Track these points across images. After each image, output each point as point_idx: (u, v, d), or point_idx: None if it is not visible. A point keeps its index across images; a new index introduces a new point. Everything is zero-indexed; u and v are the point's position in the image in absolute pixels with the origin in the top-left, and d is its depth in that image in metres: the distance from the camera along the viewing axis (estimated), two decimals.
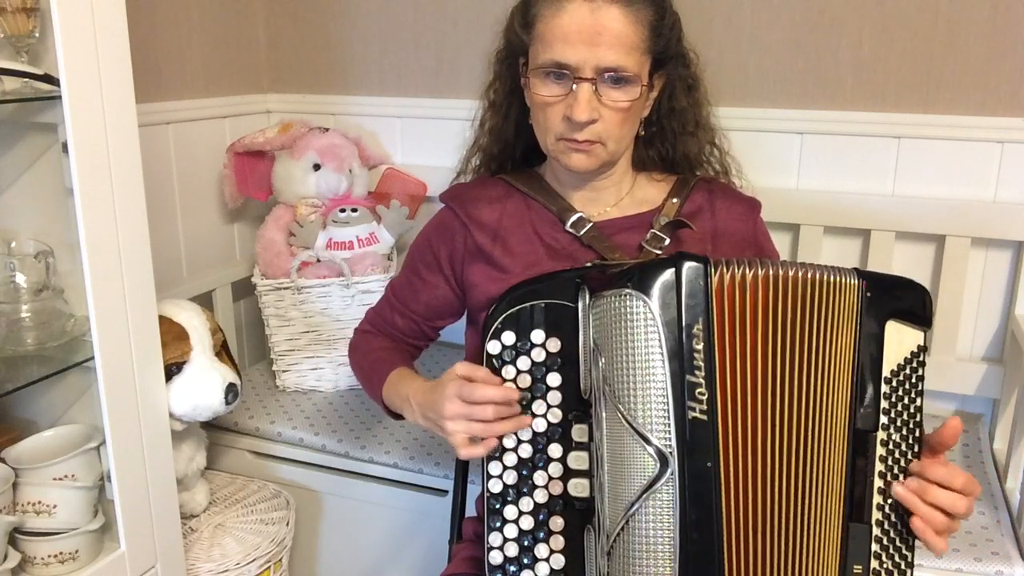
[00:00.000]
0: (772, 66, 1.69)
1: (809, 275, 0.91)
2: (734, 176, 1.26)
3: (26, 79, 1.10)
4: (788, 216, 1.70)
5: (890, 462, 0.91)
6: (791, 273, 0.91)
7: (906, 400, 0.92)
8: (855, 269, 0.93)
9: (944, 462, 0.92)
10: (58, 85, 1.08)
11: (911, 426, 0.91)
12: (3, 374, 1.17)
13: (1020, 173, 1.59)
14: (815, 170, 1.70)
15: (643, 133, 1.16)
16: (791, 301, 0.90)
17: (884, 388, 0.91)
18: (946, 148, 1.62)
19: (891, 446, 0.91)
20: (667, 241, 1.12)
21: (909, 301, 0.92)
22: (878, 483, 0.91)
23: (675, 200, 1.16)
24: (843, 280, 0.91)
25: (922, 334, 0.92)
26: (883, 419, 0.91)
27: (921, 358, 0.92)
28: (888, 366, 0.91)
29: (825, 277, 0.91)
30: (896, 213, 1.64)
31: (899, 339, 0.91)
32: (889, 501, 0.91)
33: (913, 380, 0.92)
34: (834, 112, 1.67)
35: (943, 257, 1.63)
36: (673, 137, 1.20)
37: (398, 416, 1.16)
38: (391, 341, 1.27)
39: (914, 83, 1.62)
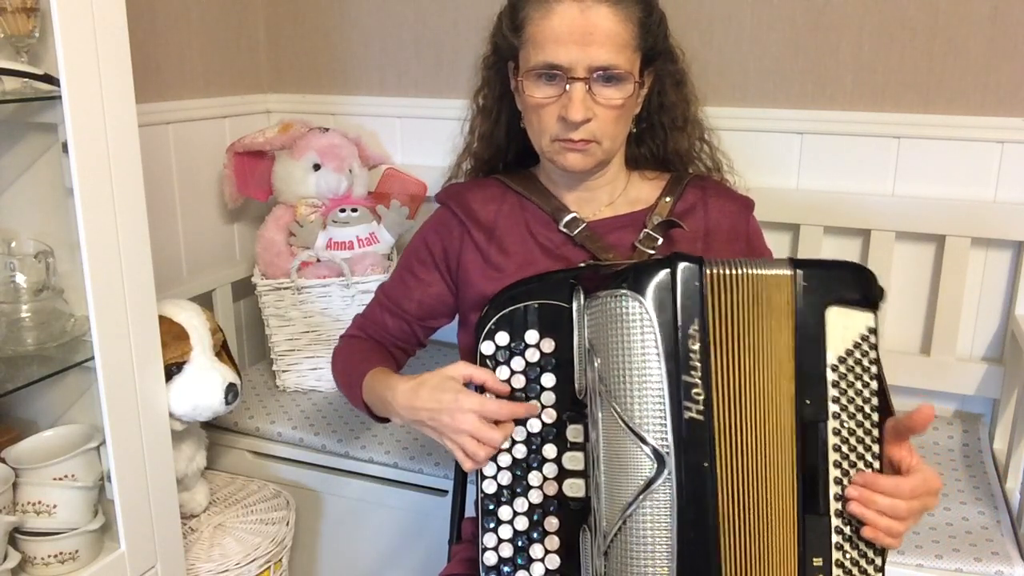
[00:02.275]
0: (772, 66, 1.69)
1: (745, 271, 0.90)
2: (726, 172, 1.26)
3: (26, 79, 1.10)
4: (788, 216, 1.70)
5: (845, 450, 0.90)
6: (734, 271, 0.91)
7: (858, 385, 0.90)
8: (789, 259, 0.92)
9: (908, 448, 0.91)
10: (58, 85, 1.08)
11: (866, 411, 0.90)
12: (3, 374, 1.17)
13: (1020, 173, 1.59)
14: (815, 170, 1.70)
15: (634, 130, 1.16)
16: (737, 298, 0.90)
17: (832, 376, 0.90)
18: (946, 148, 1.61)
19: (845, 435, 0.90)
20: (660, 240, 1.12)
21: (850, 285, 0.91)
22: (834, 473, 0.90)
23: (668, 199, 1.16)
24: (775, 272, 0.91)
25: (871, 315, 0.91)
26: (833, 408, 0.90)
27: (872, 340, 0.90)
28: (834, 353, 0.90)
29: (757, 271, 0.91)
30: (896, 213, 1.64)
31: (845, 324, 0.90)
32: (847, 491, 0.90)
33: (864, 364, 0.90)
34: (834, 112, 1.67)
35: (943, 257, 1.63)
36: (664, 133, 1.20)
37: (382, 419, 1.15)
38: (376, 344, 1.25)
39: (914, 83, 1.62)
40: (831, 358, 0.90)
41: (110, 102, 1.14)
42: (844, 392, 0.90)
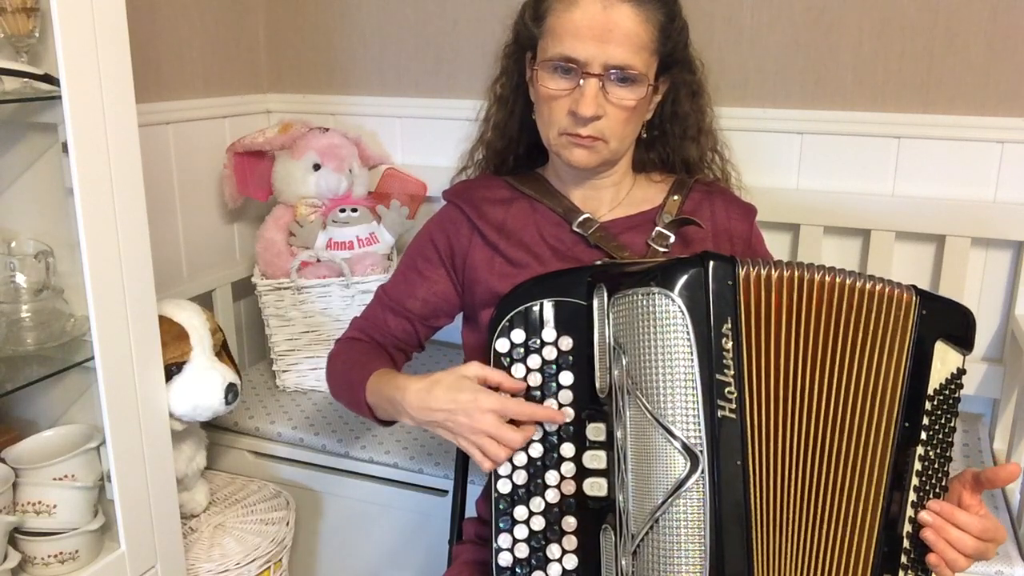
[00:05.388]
0: (772, 66, 1.69)
1: (858, 284, 0.91)
2: (734, 184, 1.26)
3: (26, 79, 1.10)
4: (788, 216, 1.70)
5: (924, 477, 0.92)
6: (837, 279, 0.91)
7: (943, 420, 0.92)
8: (912, 286, 0.93)
9: (980, 500, 0.92)
10: (58, 85, 1.08)
11: (944, 445, 0.92)
12: (3, 374, 1.17)
13: (1020, 173, 1.59)
14: (815, 170, 1.70)
15: (645, 135, 1.16)
16: (834, 306, 0.90)
17: (927, 406, 0.92)
18: (946, 148, 1.61)
19: (927, 462, 0.92)
20: (672, 238, 1.12)
21: (958, 324, 0.93)
22: (912, 497, 0.91)
23: (676, 197, 1.16)
24: (900, 294, 0.91)
25: (962, 358, 0.93)
26: (923, 435, 0.92)
27: (960, 380, 0.93)
28: (932, 385, 0.92)
29: (879, 288, 0.91)
30: (896, 213, 1.64)
31: (943, 359, 0.92)
32: (920, 515, 0.92)
33: (951, 402, 0.92)
34: (834, 112, 1.67)
35: (943, 257, 1.63)
36: (675, 142, 1.20)
37: (385, 423, 1.13)
38: (376, 346, 1.22)
39: (914, 83, 1.62)
40: (929, 389, 0.92)
41: (110, 102, 1.14)
42: (933, 424, 0.92)
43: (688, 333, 0.88)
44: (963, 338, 0.93)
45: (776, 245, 1.73)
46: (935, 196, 1.63)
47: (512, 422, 0.96)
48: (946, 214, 1.61)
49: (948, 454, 0.92)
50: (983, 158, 1.60)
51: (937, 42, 1.59)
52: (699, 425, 0.87)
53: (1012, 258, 1.63)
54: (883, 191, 1.67)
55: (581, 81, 1.03)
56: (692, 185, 1.19)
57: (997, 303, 1.66)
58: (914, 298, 0.91)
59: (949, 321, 0.92)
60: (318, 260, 1.80)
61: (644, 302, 0.90)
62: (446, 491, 1.58)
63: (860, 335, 0.91)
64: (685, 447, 0.87)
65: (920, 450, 0.91)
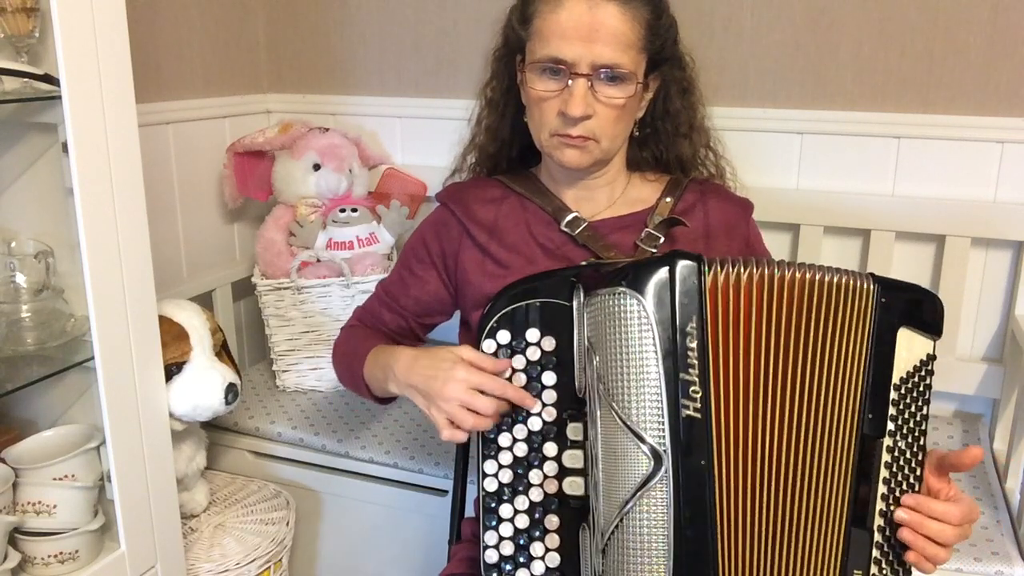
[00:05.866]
0: (772, 66, 1.69)
1: (817, 277, 0.90)
2: (729, 179, 1.26)
3: (26, 79, 1.10)
4: (788, 216, 1.70)
5: (894, 469, 0.91)
6: (796, 274, 0.90)
7: (912, 408, 0.91)
8: (870, 274, 0.92)
9: (948, 480, 0.91)
10: (58, 85, 1.08)
11: (916, 435, 0.91)
12: (3, 374, 1.17)
13: (1020, 173, 1.59)
14: (815, 170, 1.70)
15: (637, 134, 1.17)
16: (796, 302, 0.90)
17: (892, 395, 0.91)
18: (946, 148, 1.62)
19: (896, 453, 0.91)
20: (662, 239, 1.12)
21: (922, 309, 0.92)
22: (882, 490, 0.91)
23: (668, 199, 1.16)
24: (857, 284, 0.91)
25: (932, 343, 0.92)
26: (890, 426, 0.91)
27: (930, 367, 0.91)
28: (897, 373, 0.91)
29: (837, 280, 0.90)
30: (896, 213, 1.64)
31: (909, 346, 0.91)
32: (892, 509, 0.90)
33: (920, 389, 0.91)
34: (834, 112, 1.67)
35: (943, 257, 1.63)
36: (667, 139, 1.20)
37: (381, 400, 1.16)
38: (376, 331, 1.26)
39: (914, 83, 1.62)
40: (894, 377, 0.91)
41: (110, 102, 1.14)
42: (901, 413, 0.91)
43: (653, 332, 0.88)
44: (930, 323, 0.92)
45: (776, 245, 1.73)
46: (935, 196, 1.63)
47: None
48: (946, 214, 1.61)
49: (921, 443, 0.91)
50: (983, 158, 1.60)
51: (937, 42, 1.59)
52: (663, 424, 0.87)
53: (1012, 258, 1.63)
54: (883, 191, 1.67)
55: (570, 82, 1.03)
56: (687, 185, 1.19)
57: (997, 303, 1.66)
58: (871, 286, 0.91)
59: (912, 306, 0.91)
60: (318, 260, 1.81)
61: (612, 302, 0.90)
62: (446, 491, 1.58)
63: (823, 328, 0.90)
64: (649, 446, 0.88)
65: (888, 441, 0.90)
